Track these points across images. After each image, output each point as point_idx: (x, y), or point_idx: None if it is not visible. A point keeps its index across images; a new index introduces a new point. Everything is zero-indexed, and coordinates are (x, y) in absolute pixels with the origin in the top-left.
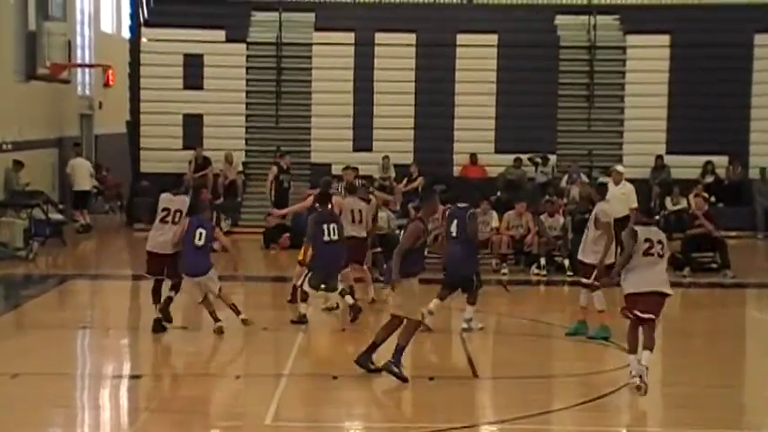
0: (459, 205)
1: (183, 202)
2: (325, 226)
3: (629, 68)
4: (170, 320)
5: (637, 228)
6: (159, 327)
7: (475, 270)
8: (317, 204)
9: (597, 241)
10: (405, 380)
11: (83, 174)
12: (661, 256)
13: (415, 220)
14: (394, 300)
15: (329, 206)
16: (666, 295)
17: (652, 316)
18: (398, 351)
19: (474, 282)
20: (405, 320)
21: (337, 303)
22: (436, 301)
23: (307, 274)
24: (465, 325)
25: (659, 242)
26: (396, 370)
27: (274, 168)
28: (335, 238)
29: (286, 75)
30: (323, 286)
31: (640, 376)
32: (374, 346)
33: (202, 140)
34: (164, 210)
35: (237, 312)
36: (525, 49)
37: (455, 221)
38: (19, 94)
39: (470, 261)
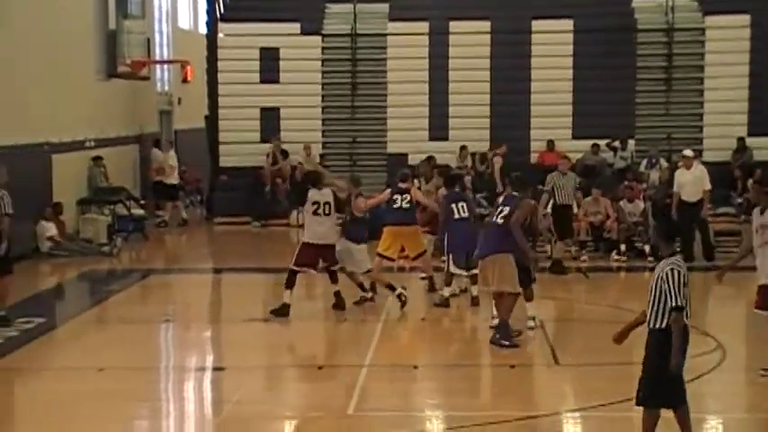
0: (513, 193)
1: (329, 194)
2: (453, 205)
3: (709, 50)
4: (344, 307)
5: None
6: (284, 312)
7: (528, 260)
8: (447, 186)
9: None
10: (517, 345)
11: (174, 167)
12: None
13: (526, 197)
14: (496, 274)
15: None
16: None
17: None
18: (504, 325)
19: (530, 274)
20: (506, 294)
21: (462, 288)
22: (530, 303)
23: (448, 257)
24: (531, 323)
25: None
26: (505, 343)
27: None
28: (465, 215)
29: (361, 66)
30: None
31: None
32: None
33: (280, 133)
34: (314, 203)
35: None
36: (601, 33)
37: (506, 209)
38: (100, 92)
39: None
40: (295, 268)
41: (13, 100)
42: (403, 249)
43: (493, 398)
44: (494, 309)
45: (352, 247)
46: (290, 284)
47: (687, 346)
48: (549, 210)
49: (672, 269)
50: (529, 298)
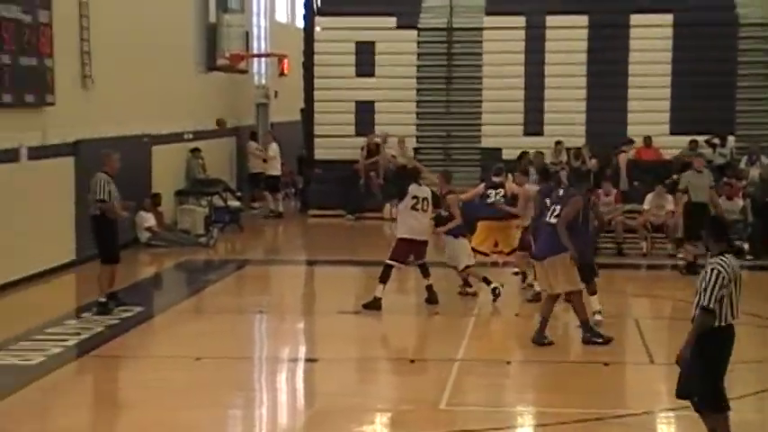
0: (561, 191)
1: (428, 190)
2: (548, 200)
3: None
4: (436, 301)
5: None
6: (377, 305)
7: (589, 256)
8: (542, 180)
9: None
10: (610, 339)
11: (277, 159)
12: None
13: (577, 195)
14: (558, 277)
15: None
16: None
17: None
18: (585, 324)
19: (593, 268)
20: (572, 295)
21: None
22: (592, 297)
23: None
24: (598, 317)
25: None
26: (598, 340)
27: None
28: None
29: (457, 60)
30: None
31: None
32: (545, 323)
33: (374, 127)
34: (413, 198)
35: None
36: (702, 27)
37: (558, 208)
38: (199, 84)
39: (588, 247)
40: (391, 263)
41: (116, 92)
42: (496, 244)
43: (585, 395)
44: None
45: (449, 240)
46: (384, 279)
47: (729, 350)
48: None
49: (712, 269)
50: (592, 292)
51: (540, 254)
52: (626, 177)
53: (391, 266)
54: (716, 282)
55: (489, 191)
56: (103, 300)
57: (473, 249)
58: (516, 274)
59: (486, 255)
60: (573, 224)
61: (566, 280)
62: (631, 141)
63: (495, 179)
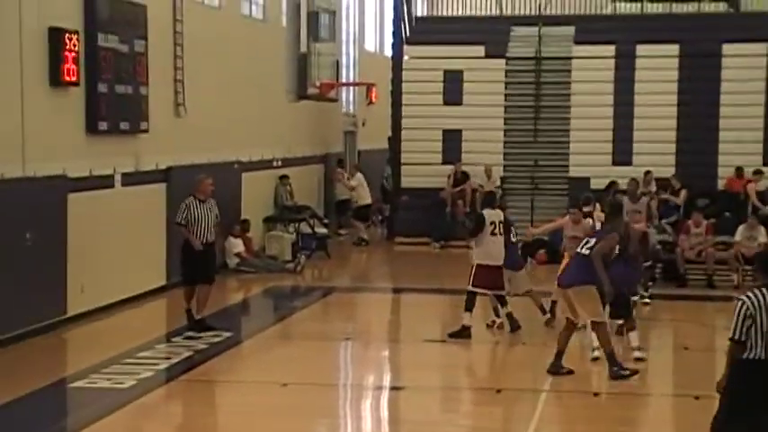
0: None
1: (500, 214)
2: None
3: None
4: (519, 327)
5: None
6: (466, 334)
7: (632, 291)
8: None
9: None
10: (636, 371)
11: (365, 188)
12: None
13: (613, 231)
14: (583, 307)
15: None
16: None
17: None
18: (611, 356)
19: (629, 304)
20: (596, 326)
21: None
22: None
23: None
24: (638, 353)
25: None
26: (623, 373)
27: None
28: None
29: (545, 89)
30: None
31: None
32: (560, 354)
33: (461, 155)
34: (491, 224)
35: (543, 312)
36: None
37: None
38: (289, 113)
39: (629, 281)
40: (474, 290)
41: (207, 119)
42: None
43: (675, 429)
44: (594, 340)
45: (510, 273)
46: (469, 307)
47: (753, 385)
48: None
49: (739, 299)
50: (631, 328)
51: (565, 282)
52: (756, 206)
53: (475, 294)
54: (739, 312)
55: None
56: (199, 317)
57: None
58: None
59: None
60: (606, 258)
61: (590, 311)
62: (760, 172)
63: (585, 209)
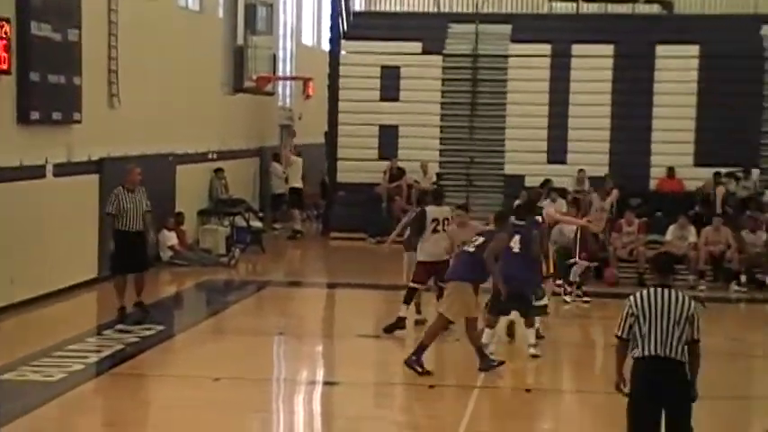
0: (521, 222)
1: (447, 211)
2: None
3: None
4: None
5: None
6: (400, 325)
7: (532, 288)
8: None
9: None
10: (502, 362)
11: (299, 172)
12: None
13: (502, 233)
14: (451, 301)
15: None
16: None
17: None
18: (480, 350)
19: (531, 301)
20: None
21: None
22: (487, 330)
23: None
24: (532, 350)
25: None
26: (494, 363)
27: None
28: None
29: (481, 86)
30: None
31: None
32: (480, 351)
33: (398, 151)
34: (434, 220)
35: None
36: (728, 59)
37: (517, 237)
38: (225, 106)
39: (528, 277)
40: (413, 285)
41: (142, 111)
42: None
43: (603, 425)
44: (530, 338)
45: None
46: (407, 300)
47: (641, 383)
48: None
49: (627, 299)
50: (529, 324)
51: (447, 276)
52: (721, 209)
53: (415, 289)
54: (624, 311)
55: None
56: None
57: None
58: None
59: None
60: (497, 256)
61: (453, 307)
62: (731, 174)
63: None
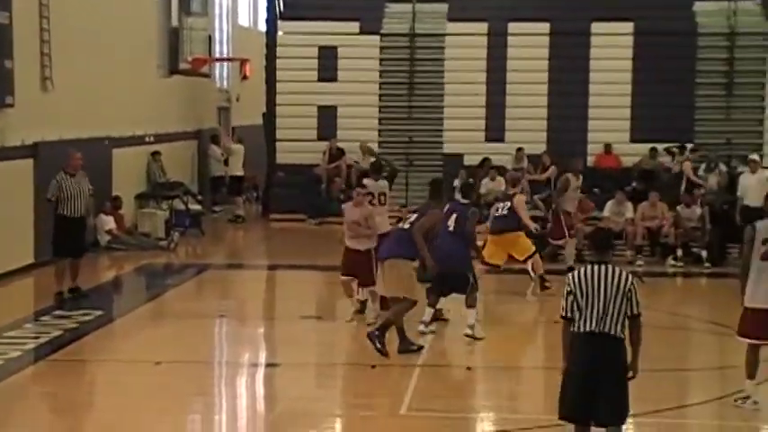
0: (460, 201)
1: (385, 186)
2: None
3: None
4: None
5: (758, 223)
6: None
7: (469, 267)
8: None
9: None
10: (385, 354)
11: (240, 160)
12: None
13: (436, 208)
14: (388, 280)
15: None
16: None
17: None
18: (385, 327)
19: (469, 280)
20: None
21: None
22: (429, 309)
23: None
24: (468, 331)
25: None
26: (378, 346)
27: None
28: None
29: (419, 66)
30: None
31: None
32: (401, 332)
33: (336, 132)
34: (368, 194)
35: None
36: (662, 36)
37: (453, 216)
38: (161, 88)
39: (464, 257)
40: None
41: (76, 94)
42: (510, 256)
43: (544, 402)
44: (468, 317)
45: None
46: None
47: (580, 358)
48: None
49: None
50: (469, 305)
51: (381, 254)
52: (694, 182)
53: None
54: (564, 291)
55: (498, 203)
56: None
57: (485, 263)
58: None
59: (498, 267)
60: (428, 234)
61: (398, 284)
62: (696, 149)
63: (511, 191)
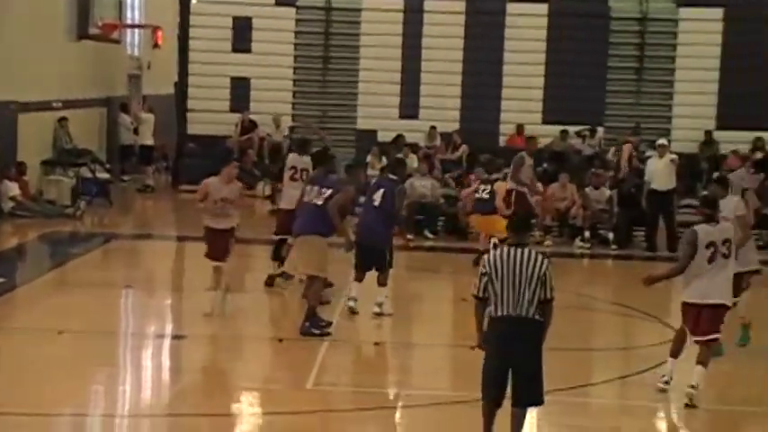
0: (389, 176)
1: (308, 162)
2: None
3: (681, 41)
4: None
5: (698, 228)
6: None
7: (388, 245)
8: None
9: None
10: (328, 333)
11: (150, 129)
12: (726, 257)
13: (350, 185)
14: (304, 257)
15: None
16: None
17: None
18: (311, 311)
19: (386, 256)
20: (315, 279)
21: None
22: (356, 284)
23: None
24: (377, 309)
25: (725, 241)
26: (317, 331)
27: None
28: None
29: (334, 39)
30: None
31: (667, 381)
32: (311, 313)
33: (250, 104)
34: (291, 168)
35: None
36: (575, 19)
37: (381, 191)
38: (69, 53)
39: (386, 233)
40: (275, 237)
41: None
42: (489, 237)
43: (452, 378)
44: (379, 296)
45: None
46: (275, 256)
47: (495, 342)
48: None
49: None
50: (381, 283)
51: (294, 231)
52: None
53: (282, 240)
54: (480, 271)
55: (482, 186)
56: None
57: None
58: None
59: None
60: (341, 211)
61: (310, 262)
62: (638, 133)
63: (494, 176)
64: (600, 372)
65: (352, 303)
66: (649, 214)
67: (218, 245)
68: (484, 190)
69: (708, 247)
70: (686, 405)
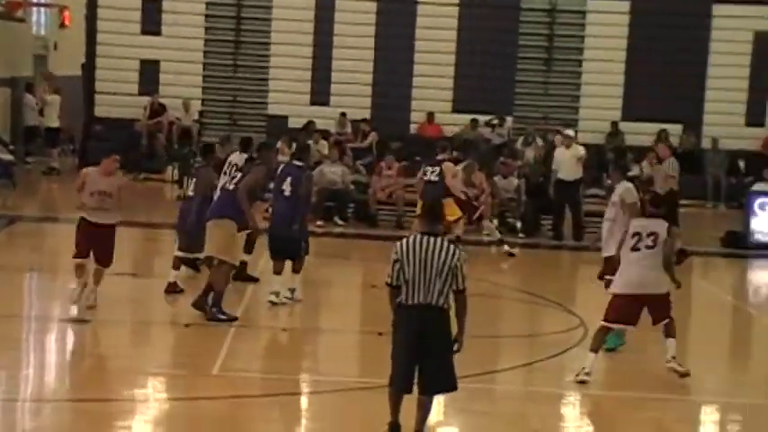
0: (295, 163)
1: (242, 158)
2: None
3: (589, 33)
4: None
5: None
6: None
7: (303, 234)
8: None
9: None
10: (234, 318)
11: (56, 111)
12: (651, 248)
13: (261, 165)
14: (214, 241)
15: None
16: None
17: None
18: (218, 298)
19: (300, 245)
20: (223, 263)
21: None
22: (276, 277)
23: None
24: (289, 294)
25: (651, 234)
26: (223, 317)
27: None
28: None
29: (245, 24)
30: None
31: (587, 373)
32: (218, 298)
33: (159, 87)
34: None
35: None
36: (486, 9)
37: (289, 179)
38: None
39: (299, 222)
40: None
41: None
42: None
43: (361, 364)
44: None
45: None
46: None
47: (404, 329)
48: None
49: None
50: (295, 269)
51: (208, 215)
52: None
53: None
54: (392, 258)
55: (427, 168)
56: None
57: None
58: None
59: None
60: (252, 194)
61: (219, 246)
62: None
63: (440, 156)
64: (506, 358)
65: (273, 298)
66: (556, 204)
67: (90, 240)
68: (432, 172)
69: (634, 236)
70: (681, 375)
